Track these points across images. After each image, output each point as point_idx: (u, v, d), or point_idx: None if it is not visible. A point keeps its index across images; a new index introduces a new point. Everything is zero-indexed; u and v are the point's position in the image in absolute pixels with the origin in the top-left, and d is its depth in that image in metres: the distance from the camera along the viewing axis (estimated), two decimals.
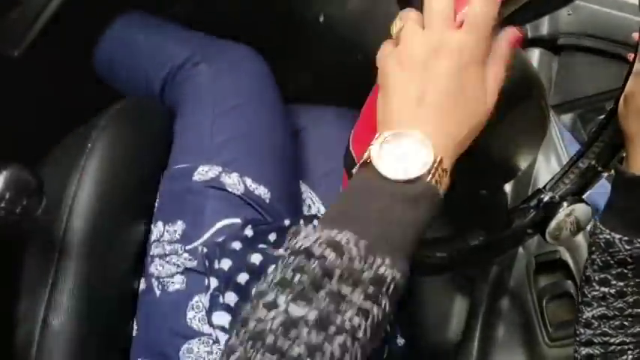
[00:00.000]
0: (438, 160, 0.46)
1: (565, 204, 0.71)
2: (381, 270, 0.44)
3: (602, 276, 0.66)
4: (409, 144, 0.46)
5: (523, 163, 0.70)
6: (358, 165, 0.48)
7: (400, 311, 0.50)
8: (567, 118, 1.25)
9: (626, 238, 0.64)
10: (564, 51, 1.20)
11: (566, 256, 1.00)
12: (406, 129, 0.47)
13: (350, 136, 0.62)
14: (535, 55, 1.20)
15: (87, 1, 0.89)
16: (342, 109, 1.06)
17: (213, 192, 0.78)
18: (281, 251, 0.58)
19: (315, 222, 0.78)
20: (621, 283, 0.65)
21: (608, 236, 0.65)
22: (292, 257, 0.45)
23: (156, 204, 0.82)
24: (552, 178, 0.77)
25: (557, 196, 0.74)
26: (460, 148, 0.49)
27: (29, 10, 0.85)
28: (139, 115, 0.87)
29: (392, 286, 0.44)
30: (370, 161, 0.47)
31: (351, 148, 0.59)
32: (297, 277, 0.44)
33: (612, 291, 0.65)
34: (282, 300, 0.43)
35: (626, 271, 0.64)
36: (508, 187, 1.08)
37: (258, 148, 0.85)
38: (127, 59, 1.00)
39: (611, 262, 0.65)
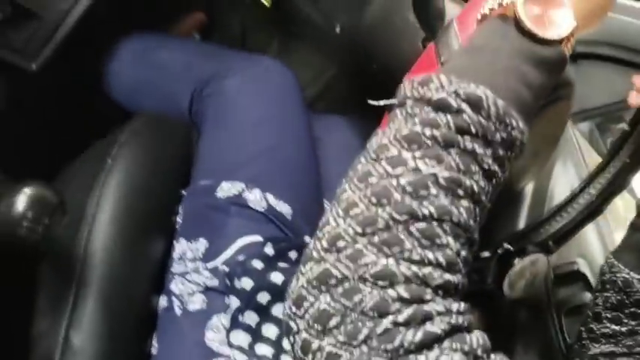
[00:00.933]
0: (574, 28, 0.45)
1: (526, 257, 0.71)
2: (514, 133, 0.42)
3: (615, 314, 0.66)
4: (553, 4, 0.45)
5: (529, 176, 0.69)
6: (493, 15, 0.46)
7: None
8: (584, 127, 1.24)
9: None
10: (581, 59, 1.19)
11: (585, 268, 0.99)
12: None
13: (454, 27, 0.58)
14: None
15: (104, 17, 0.88)
16: (356, 117, 1.06)
17: (235, 209, 0.77)
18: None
19: None
20: (633, 322, 0.65)
21: (627, 276, 0.65)
22: (418, 108, 0.42)
23: (179, 220, 0.81)
24: (515, 234, 0.76)
25: (514, 247, 0.73)
26: (584, 29, 0.49)
27: (47, 25, 0.86)
28: (160, 130, 0.87)
29: (517, 150, 0.43)
30: (509, 13, 0.45)
31: (456, 29, 0.56)
32: (428, 131, 0.41)
33: (624, 329, 0.65)
34: (409, 156, 0.40)
35: (639, 311, 0.64)
36: (525, 201, 1.07)
37: (281, 162, 0.84)
38: (154, 79, 0.99)
39: (627, 301, 0.65)
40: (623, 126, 0.70)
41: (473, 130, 0.40)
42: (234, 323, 0.70)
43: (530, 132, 0.61)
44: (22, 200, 0.59)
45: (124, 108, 1.01)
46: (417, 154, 0.40)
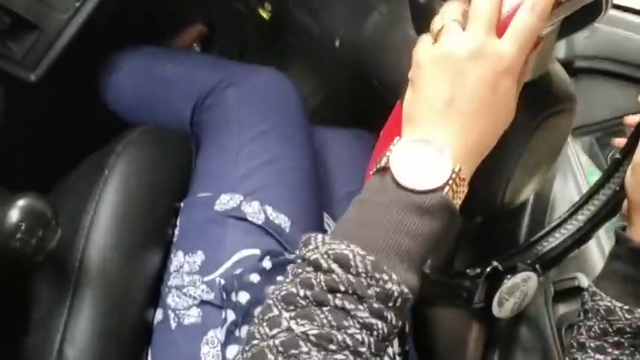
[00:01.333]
0: (457, 169, 0.46)
1: (516, 275, 0.70)
2: (388, 286, 0.43)
3: (598, 343, 0.67)
4: (429, 152, 0.46)
5: (526, 193, 0.69)
6: (375, 169, 0.48)
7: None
8: (584, 141, 1.24)
9: (627, 307, 0.65)
10: (581, 74, 1.19)
11: (585, 283, 0.98)
12: (429, 132, 0.47)
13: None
14: None
15: (103, 29, 0.88)
16: (356, 130, 1.06)
17: (233, 222, 0.77)
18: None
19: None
20: (617, 352, 0.66)
21: (609, 304, 0.66)
22: (300, 268, 0.45)
23: (176, 232, 0.81)
24: (505, 253, 0.76)
25: (501, 267, 0.72)
26: (480, 157, 0.49)
27: (47, 36, 0.85)
28: (158, 141, 0.87)
29: (399, 301, 0.44)
30: (387, 166, 0.46)
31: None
32: (302, 291, 0.44)
33: (608, 358, 0.66)
34: (285, 316, 0.43)
35: (622, 340, 0.65)
36: (525, 217, 1.06)
37: (281, 174, 0.84)
38: (155, 91, 0.98)
39: (610, 329, 0.66)
40: (615, 153, 0.70)
41: (342, 288, 0.43)
42: (230, 338, 0.69)
43: (531, 145, 0.61)
44: (15, 212, 0.58)
45: (123, 120, 1.01)
46: (292, 314, 0.43)
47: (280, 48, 1.33)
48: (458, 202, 0.48)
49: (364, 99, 1.21)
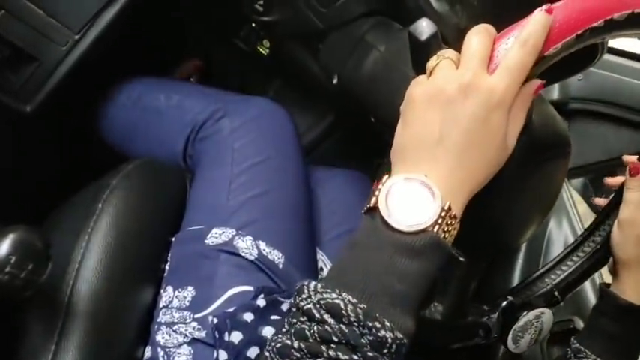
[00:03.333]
0: (447, 208, 0.46)
1: (530, 312, 0.70)
2: (381, 333, 0.43)
3: None
4: (418, 190, 0.46)
5: (527, 232, 0.68)
6: (366, 208, 0.48)
7: None
8: (578, 182, 1.25)
9: None
10: (575, 115, 1.20)
11: (580, 325, 0.97)
12: (419, 169, 0.47)
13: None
14: None
15: (101, 62, 0.88)
16: (351, 172, 1.05)
17: (225, 257, 0.76)
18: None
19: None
20: None
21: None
22: (295, 317, 0.45)
23: (166, 267, 0.79)
24: (517, 286, 0.76)
25: (519, 301, 0.72)
26: (471, 194, 0.49)
27: (44, 68, 0.86)
28: (153, 175, 0.86)
29: (394, 347, 0.44)
30: (375, 207, 0.46)
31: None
32: (297, 343, 0.43)
33: None
34: None
35: None
36: (519, 257, 1.06)
37: (275, 208, 0.83)
38: (149, 123, 0.98)
39: None
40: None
41: (335, 338, 0.43)
42: None
43: (525, 191, 0.61)
44: (5, 244, 0.57)
45: (118, 152, 1.00)
46: None
47: (278, 84, 1.33)
48: (450, 239, 0.47)
49: (361, 135, 1.22)
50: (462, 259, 0.64)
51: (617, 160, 1.16)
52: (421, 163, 0.48)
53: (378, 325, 0.43)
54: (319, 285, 0.45)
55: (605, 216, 0.71)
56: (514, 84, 0.48)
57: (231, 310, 0.71)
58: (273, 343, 0.45)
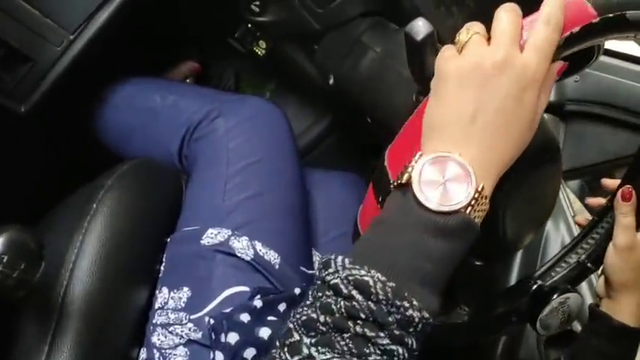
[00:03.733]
0: (480, 189, 0.45)
1: (556, 294, 0.70)
2: (409, 312, 0.43)
3: None
4: (452, 169, 0.46)
5: (530, 236, 0.69)
6: (395, 184, 0.47)
7: None
8: (575, 184, 1.25)
9: None
10: (572, 117, 1.20)
11: (577, 328, 0.97)
12: (452, 147, 0.46)
13: (385, 161, 0.59)
14: None
15: (96, 63, 0.88)
16: (347, 174, 1.05)
17: (221, 257, 0.75)
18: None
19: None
20: None
21: None
22: (320, 291, 0.45)
23: (162, 267, 0.78)
24: (540, 268, 0.75)
25: (546, 285, 0.72)
26: (500, 174, 0.49)
27: (39, 68, 0.85)
28: (148, 175, 0.85)
29: (419, 326, 0.44)
30: (408, 183, 0.46)
31: (385, 164, 0.57)
32: (323, 317, 0.43)
33: None
34: (306, 343, 0.43)
35: None
36: (517, 258, 1.06)
37: (270, 208, 0.83)
38: (144, 123, 0.97)
39: None
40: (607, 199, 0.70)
41: (362, 315, 0.43)
42: None
43: (522, 197, 0.62)
44: None
45: (114, 153, 1.00)
46: (313, 340, 0.43)
47: (275, 85, 1.33)
48: (479, 219, 0.47)
49: (358, 136, 1.21)
50: (477, 263, 0.65)
51: (613, 162, 1.16)
52: (454, 141, 0.47)
53: (406, 304, 0.43)
54: (347, 260, 0.45)
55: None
56: (545, 61, 0.48)
57: (227, 311, 0.71)
58: (298, 315, 0.45)
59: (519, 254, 1.06)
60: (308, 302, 0.45)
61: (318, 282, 0.46)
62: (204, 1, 1.03)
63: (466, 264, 0.68)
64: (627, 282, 0.66)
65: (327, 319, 0.43)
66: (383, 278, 0.43)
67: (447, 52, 0.50)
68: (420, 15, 0.86)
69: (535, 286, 0.71)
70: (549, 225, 1.07)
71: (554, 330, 0.72)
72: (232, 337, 0.68)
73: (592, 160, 1.19)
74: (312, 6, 0.92)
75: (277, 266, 0.77)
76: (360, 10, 0.93)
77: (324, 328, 0.43)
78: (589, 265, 0.71)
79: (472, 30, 0.49)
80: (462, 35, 0.49)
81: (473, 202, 0.45)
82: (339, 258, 0.45)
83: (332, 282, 0.44)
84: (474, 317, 0.71)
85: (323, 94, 1.06)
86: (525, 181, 0.62)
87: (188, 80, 1.31)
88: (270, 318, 0.71)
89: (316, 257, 0.89)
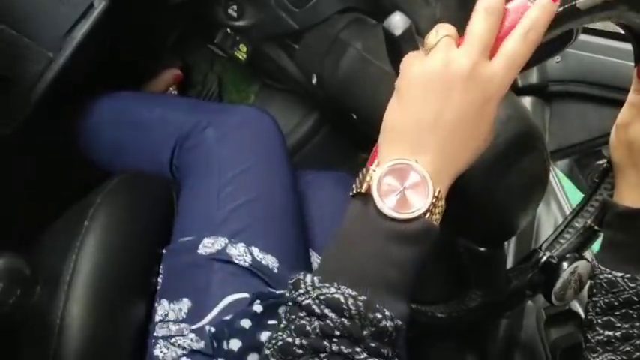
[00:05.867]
0: (437, 194, 0.46)
1: (565, 264, 0.70)
2: (382, 323, 0.43)
3: (606, 319, 0.65)
4: (411, 177, 0.46)
5: (526, 218, 0.70)
6: (355, 192, 0.47)
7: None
8: (563, 164, 1.26)
9: (628, 275, 0.63)
10: (555, 98, 1.21)
11: (576, 306, 0.98)
12: (410, 154, 0.47)
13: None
14: (527, 104, 1.21)
15: (78, 78, 0.88)
16: (339, 173, 1.05)
17: (219, 265, 0.75)
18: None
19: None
20: (626, 325, 0.64)
21: (609, 276, 0.64)
22: (293, 313, 0.45)
23: (159, 280, 0.78)
24: (547, 238, 0.76)
25: (555, 256, 0.73)
26: (455, 177, 0.49)
27: (21, 89, 0.85)
28: (138, 189, 0.85)
29: (394, 334, 0.44)
30: (368, 192, 0.46)
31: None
32: (298, 340, 0.43)
33: (617, 334, 0.64)
34: None
35: (631, 311, 0.63)
36: (511, 241, 1.07)
37: (265, 213, 0.83)
38: (133, 137, 0.97)
39: (615, 303, 0.64)
40: (603, 162, 0.71)
41: (337, 332, 0.43)
42: None
43: (512, 183, 0.62)
44: None
45: (103, 168, 0.99)
46: None
47: (258, 87, 1.33)
48: (437, 221, 0.47)
49: (346, 132, 1.22)
50: (482, 249, 0.65)
51: (600, 139, 1.17)
52: (413, 146, 0.47)
53: (379, 315, 0.43)
54: (316, 279, 0.45)
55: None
56: (511, 76, 0.47)
57: (228, 318, 0.71)
58: (273, 341, 0.45)
59: (513, 238, 1.06)
60: (282, 326, 0.45)
61: (290, 304, 0.46)
62: (181, 9, 1.02)
63: (471, 251, 0.69)
64: (621, 162, 0.65)
65: (303, 341, 0.43)
66: (353, 293, 0.43)
67: (413, 54, 0.50)
68: (397, 7, 0.87)
69: (544, 258, 0.72)
70: (540, 207, 1.07)
71: (568, 299, 0.72)
72: (234, 344, 0.68)
73: (578, 138, 1.19)
74: (288, 6, 0.92)
75: (275, 270, 0.78)
76: (338, 8, 0.93)
77: (300, 351, 0.43)
78: (595, 228, 0.72)
79: (441, 32, 0.48)
80: (431, 37, 0.49)
81: (431, 207, 0.45)
82: (308, 277, 0.45)
83: (304, 303, 0.44)
84: (490, 297, 0.72)
85: (307, 93, 1.06)
86: (513, 168, 0.63)
87: (171, 88, 1.31)
88: (271, 322, 0.71)
89: (314, 258, 0.89)
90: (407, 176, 0.46)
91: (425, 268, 0.48)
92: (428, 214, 0.45)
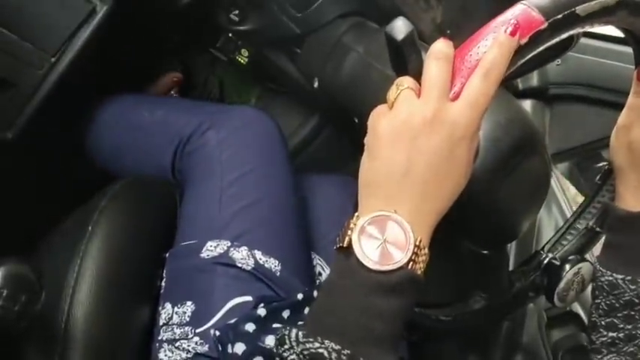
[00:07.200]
0: (418, 243, 0.46)
1: (568, 266, 0.70)
2: None
3: (609, 320, 0.65)
4: (391, 228, 0.46)
5: (528, 221, 0.70)
6: (338, 246, 0.47)
7: None
8: (564, 167, 1.26)
9: (629, 277, 0.63)
10: (556, 101, 1.21)
11: (577, 308, 0.98)
12: (388, 205, 0.47)
13: None
14: (527, 106, 1.21)
15: (80, 81, 0.88)
16: (340, 176, 1.05)
17: (222, 269, 0.75)
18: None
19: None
20: (629, 326, 0.64)
21: (610, 278, 0.65)
22: None
23: (162, 284, 0.79)
24: (550, 240, 0.77)
25: (557, 258, 0.73)
26: (436, 222, 0.49)
27: (22, 93, 0.85)
28: (141, 192, 0.85)
29: None
30: (349, 246, 0.46)
31: None
32: None
33: (621, 335, 0.64)
34: None
35: (633, 313, 0.64)
36: (513, 244, 1.07)
37: (267, 216, 0.83)
38: (135, 140, 0.97)
39: (617, 305, 0.64)
40: (604, 165, 0.71)
41: None
42: None
43: (513, 188, 0.62)
44: None
45: (105, 171, 1.00)
46: None
47: (260, 90, 1.33)
48: (421, 270, 0.47)
49: (347, 134, 1.22)
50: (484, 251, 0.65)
51: (600, 142, 1.17)
52: (389, 198, 0.47)
53: None
54: (300, 334, 0.45)
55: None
56: (477, 116, 0.47)
57: (232, 321, 0.71)
58: None
59: (514, 242, 1.07)
60: None
61: (277, 359, 0.46)
62: (183, 13, 1.03)
63: (473, 253, 0.69)
64: (622, 165, 0.66)
65: None
66: (337, 347, 0.43)
67: (379, 109, 0.50)
68: (398, 11, 0.87)
69: (547, 260, 0.72)
70: (542, 210, 1.07)
71: (570, 301, 0.73)
72: (239, 348, 0.68)
73: (579, 141, 1.19)
74: (290, 11, 0.92)
75: (278, 273, 0.78)
76: (339, 12, 0.93)
77: None
78: (597, 229, 0.72)
79: (402, 85, 0.49)
80: (392, 92, 0.49)
81: (413, 257, 0.45)
82: (293, 332, 0.46)
83: (289, 359, 0.44)
84: (493, 299, 0.72)
85: (309, 96, 1.06)
86: (515, 172, 0.63)
87: (173, 91, 1.31)
88: (275, 325, 0.72)
89: (317, 261, 0.90)
90: (387, 227, 0.46)
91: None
92: (410, 263, 0.45)
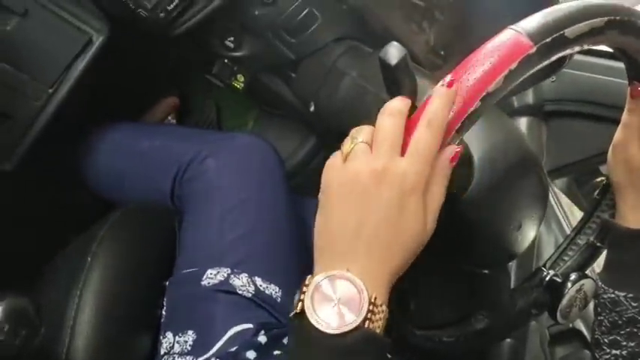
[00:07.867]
0: (373, 300, 0.45)
1: (570, 282, 0.70)
2: None
3: (612, 338, 0.65)
4: (344, 287, 0.45)
5: (527, 240, 0.70)
6: (293, 313, 0.46)
7: None
8: (562, 182, 1.26)
9: (631, 295, 0.63)
10: (552, 117, 1.21)
11: (580, 325, 0.98)
12: (341, 264, 0.46)
13: None
14: (523, 124, 1.21)
15: (78, 110, 0.88)
16: None
17: (223, 296, 0.75)
18: None
19: None
20: (632, 344, 0.64)
21: (612, 295, 0.65)
22: None
23: (163, 312, 0.78)
24: (551, 257, 0.76)
25: (559, 275, 0.73)
26: (396, 275, 0.48)
27: (20, 124, 0.85)
28: (140, 221, 0.85)
29: None
30: (303, 311, 0.45)
31: None
32: None
33: (624, 353, 0.64)
34: None
35: (635, 330, 0.63)
36: (513, 262, 1.06)
37: (267, 243, 0.82)
38: (134, 167, 0.97)
39: (619, 322, 0.64)
40: (602, 180, 0.71)
41: None
42: None
43: (510, 207, 0.62)
44: None
45: (104, 200, 1.00)
46: None
47: (257, 113, 1.34)
48: (380, 327, 0.46)
49: None
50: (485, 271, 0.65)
51: (597, 157, 1.17)
52: (342, 256, 0.46)
53: None
54: None
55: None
56: (424, 167, 0.47)
57: (233, 349, 0.71)
58: None
59: (514, 261, 1.06)
60: None
61: None
62: (179, 41, 1.04)
63: (474, 274, 0.69)
64: (620, 183, 0.65)
65: None
66: None
67: (331, 160, 0.50)
68: (391, 34, 0.88)
69: (549, 277, 0.72)
70: (541, 227, 1.07)
71: (573, 318, 0.72)
72: None
73: (575, 157, 1.20)
74: (285, 37, 0.93)
75: (279, 299, 0.78)
76: (333, 37, 0.94)
77: None
78: (598, 244, 0.72)
79: (356, 139, 0.49)
80: (347, 145, 0.49)
81: (369, 315, 0.44)
82: None
83: None
84: (496, 319, 0.72)
85: (305, 119, 1.06)
86: (512, 193, 0.63)
87: (170, 117, 1.32)
88: (276, 352, 0.71)
89: None
90: (339, 286, 0.45)
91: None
92: (367, 322, 0.44)
